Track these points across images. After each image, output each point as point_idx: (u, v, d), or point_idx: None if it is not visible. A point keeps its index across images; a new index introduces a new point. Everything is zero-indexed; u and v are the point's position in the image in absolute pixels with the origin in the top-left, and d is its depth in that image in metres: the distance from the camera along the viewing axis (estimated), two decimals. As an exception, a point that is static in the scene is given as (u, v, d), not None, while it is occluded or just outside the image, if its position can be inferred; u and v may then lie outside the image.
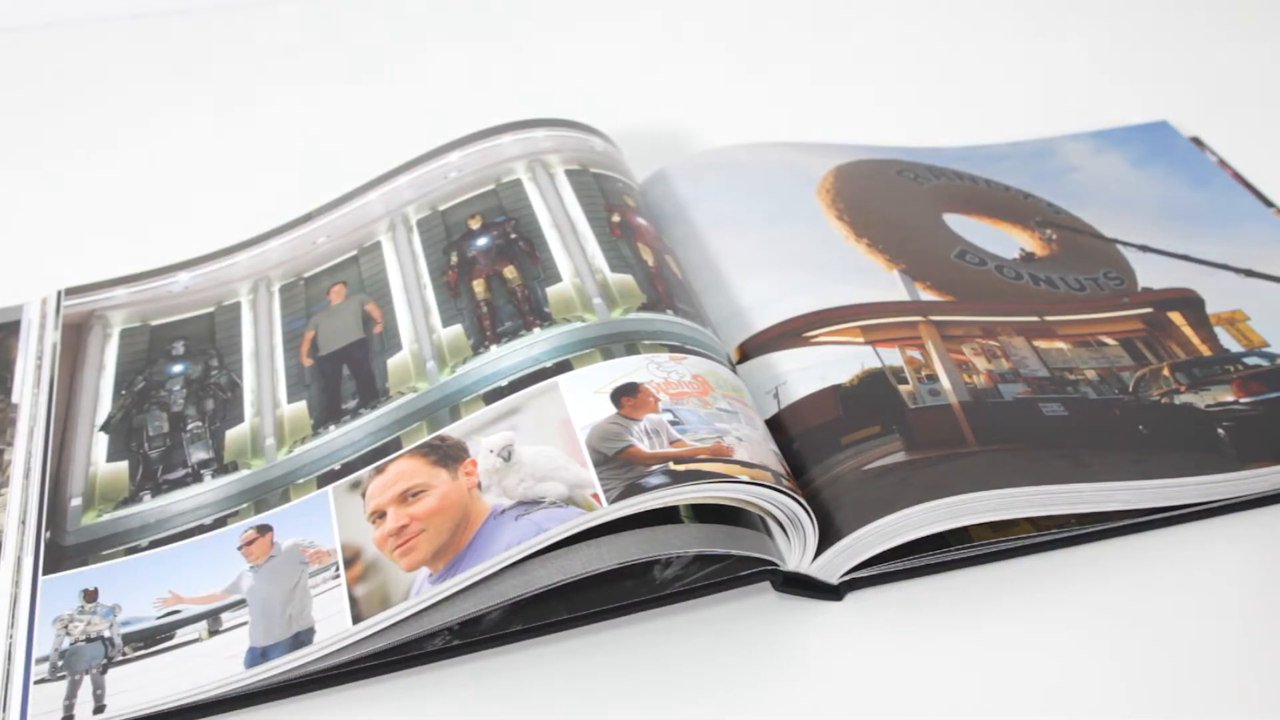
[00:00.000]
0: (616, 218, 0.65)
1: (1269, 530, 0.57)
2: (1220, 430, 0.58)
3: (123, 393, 0.63)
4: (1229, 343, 0.63)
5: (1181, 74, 0.89)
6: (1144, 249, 0.70)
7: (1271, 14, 0.96)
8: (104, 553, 0.55)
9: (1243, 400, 0.60)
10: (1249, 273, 0.68)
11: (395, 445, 0.56)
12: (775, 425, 0.58)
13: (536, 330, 0.59)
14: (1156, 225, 0.72)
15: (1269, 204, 0.74)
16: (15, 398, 0.62)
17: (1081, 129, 0.81)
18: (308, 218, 0.72)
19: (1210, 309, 0.65)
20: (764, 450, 0.53)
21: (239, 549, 0.54)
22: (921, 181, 0.75)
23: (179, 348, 0.65)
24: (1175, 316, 0.65)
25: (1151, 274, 0.68)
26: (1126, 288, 0.67)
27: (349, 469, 0.56)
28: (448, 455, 0.55)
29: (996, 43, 0.95)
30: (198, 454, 0.60)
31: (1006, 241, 0.71)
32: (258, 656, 0.50)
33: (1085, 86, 0.89)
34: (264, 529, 0.55)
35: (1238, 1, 0.98)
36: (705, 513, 0.52)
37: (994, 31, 0.96)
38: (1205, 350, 0.63)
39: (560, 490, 0.51)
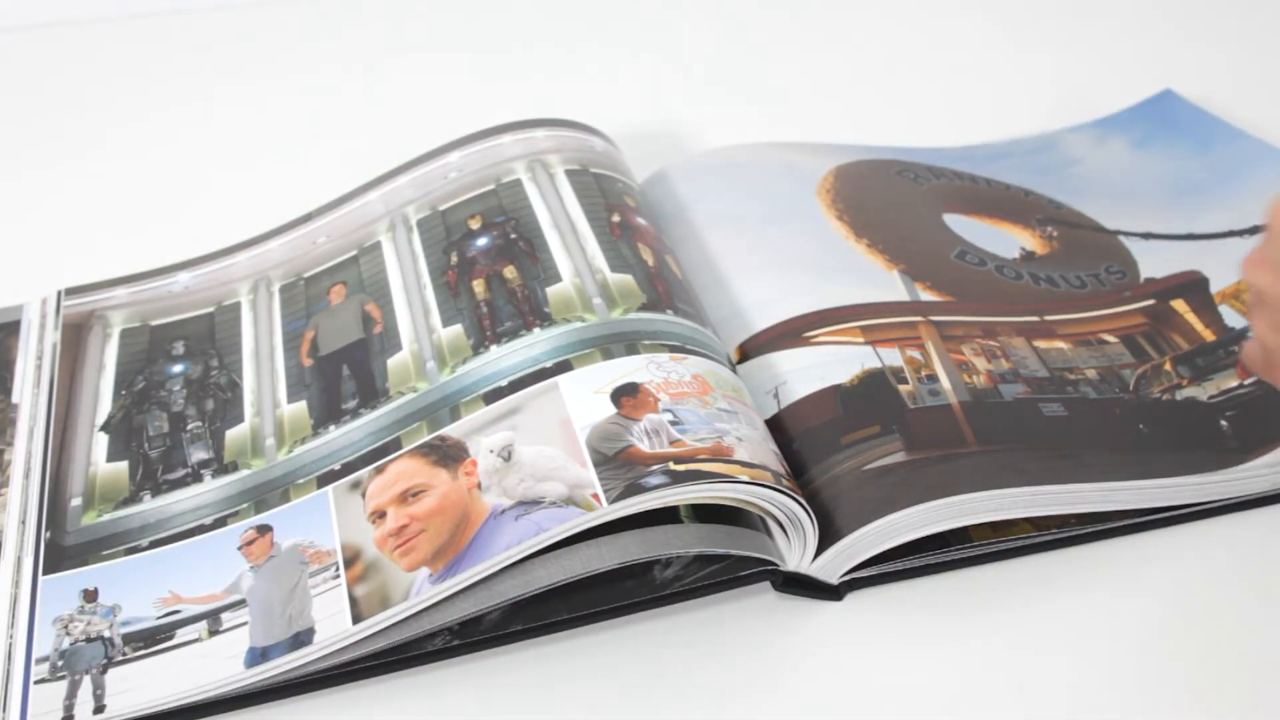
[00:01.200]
0: (616, 218, 0.65)
1: (1269, 530, 0.56)
2: (1223, 422, 0.58)
3: (123, 393, 0.63)
4: (1234, 320, 0.63)
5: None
6: (1146, 236, 0.70)
7: None
8: (104, 553, 0.55)
9: (1246, 382, 0.60)
10: (1254, 230, 0.68)
11: (395, 445, 0.56)
12: (775, 425, 0.58)
13: (536, 330, 0.59)
14: (1164, 206, 0.72)
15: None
16: (15, 398, 0.62)
17: (1084, 117, 0.81)
18: (308, 218, 0.72)
19: (1215, 287, 0.65)
20: (764, 450, 0.53)
21: (239, 549, 0.54)
22: (921, 181, 0.75)
23: (179, 348, 0.65)
24: (1179, 304, 0.65)
25: (1155, 262, 0.68)
26: (1129, 280, 0.67)
27: (349, 469, 0.56)
28: (448, 455, 0.55)
29: (997, 39, 0.95)
30: (198, 454, 0.60)
31: (1007, 241, 0.71)
32: (258, 656, 0.50)
33: (1087, 73, 0.89)
34: (264, 529, 0.55)
35: None
36: (705, 513, 0.52)
37: (994, 27, 0.96)
38: (1209, 335, 0.63)
39: (560, 490, 0.51)
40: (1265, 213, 0.50)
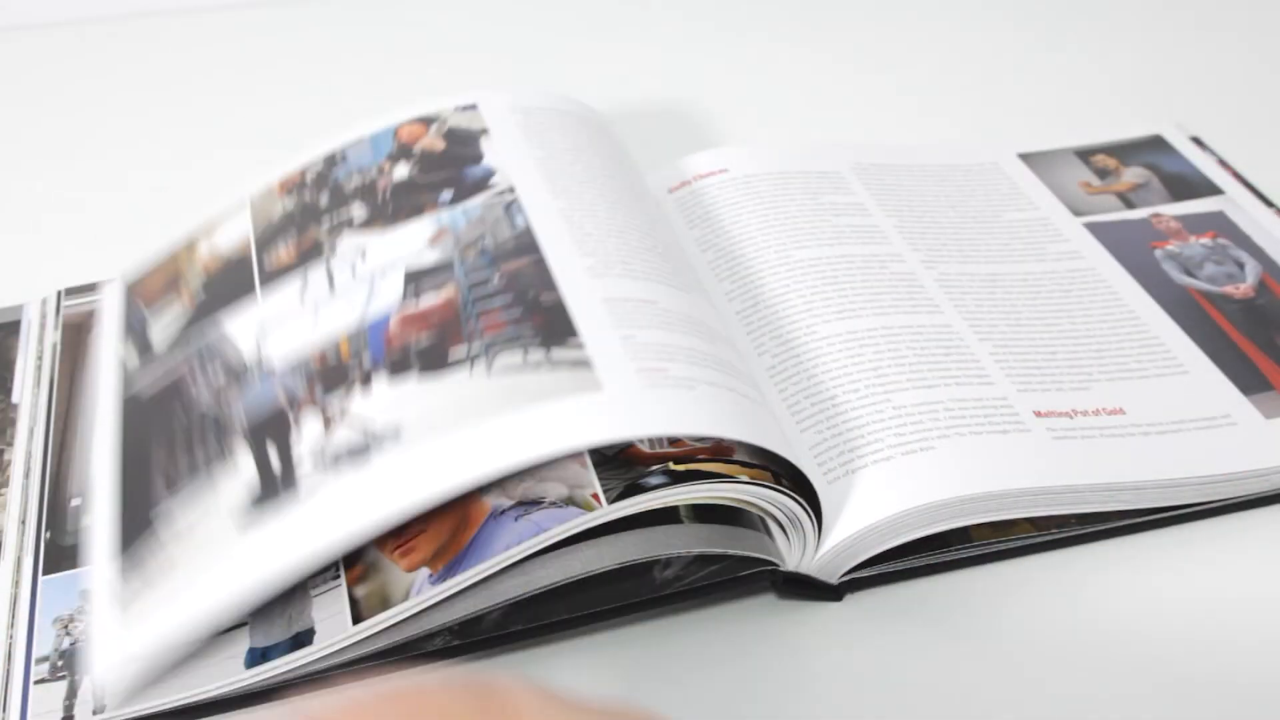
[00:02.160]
0: None
1: (1270, 530, 0.57)
2: None
3: (123, 393, 0.63)
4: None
5: (1182, 75, 0.90)
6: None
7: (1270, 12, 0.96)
8: (104, 553, 0.55)
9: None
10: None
11: (395, 445, 0.57)
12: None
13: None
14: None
15: (1269, 204, 0.74)
16: (15, 398, 0.63)
17: (1077, 135, 0.81)
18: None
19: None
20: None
21: (239, 549, 0.54)
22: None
23: (179, 348, 0.65)
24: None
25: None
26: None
27: (349, 469, 0.57)
28: (447, 455, 0.55)
29: (997, 48, 0.95)
30: (197, 454, 0.60)
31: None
32: (258, 656, 0.50)
33: (1086, 88, 0.89)
34: (264, 529, 0.55)
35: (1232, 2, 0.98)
36: (705, 512, 0.52)
37: (998, 36, 0.96)
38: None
39: (560, 490, 0.51)
40: None
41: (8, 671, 0.50)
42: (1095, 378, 0.61)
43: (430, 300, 0.55)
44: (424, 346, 0.53)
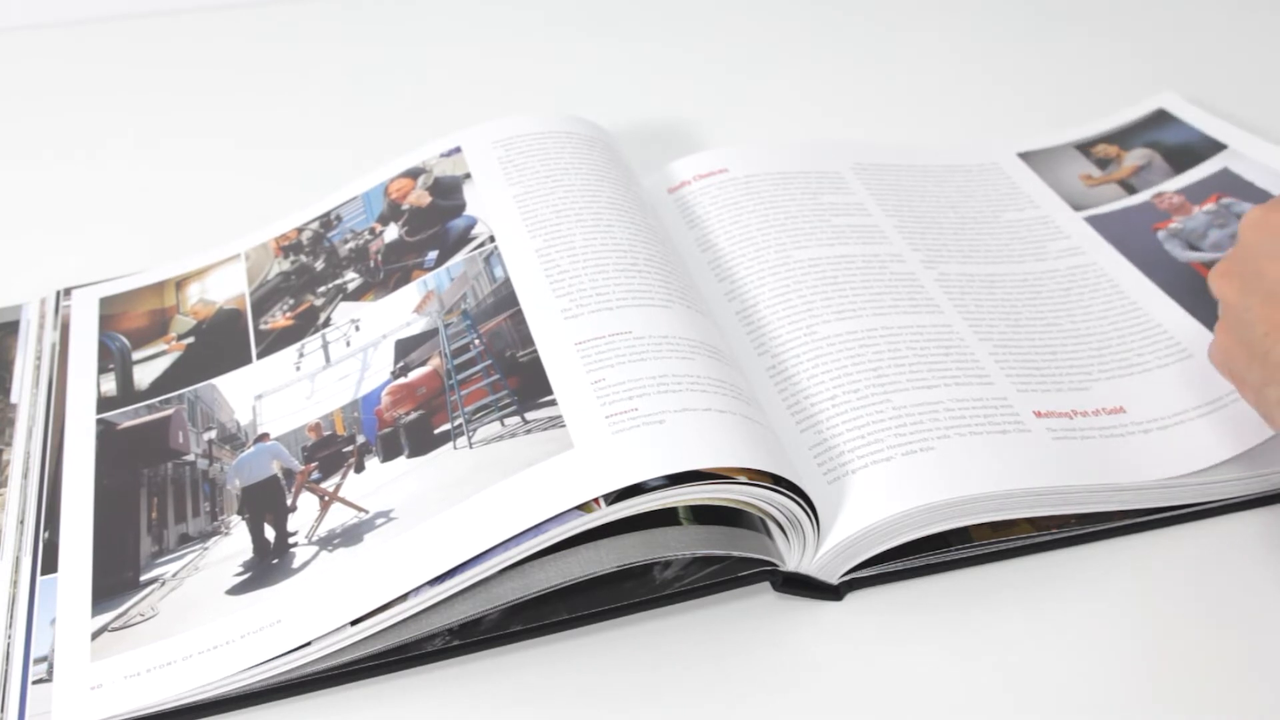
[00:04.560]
0: None
1: (1270, 530, 0.56)
2: None
3: (122, 393, 0.63)
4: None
5: (1174, 66, 0.89)
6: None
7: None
8: (103, 553, 0.55)
9: None
10: None
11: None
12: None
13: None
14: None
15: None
16: (14, 398, 0.62)
17: (1077, 127, 0.81)
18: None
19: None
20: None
21: (238, 550, 0.55)
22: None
23: (178, 348, 0.66)
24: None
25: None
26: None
27: (348, 470, 0.57)
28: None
29: (996, 48, 0.95)
30: (197, 454, 0.60)
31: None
32: (257, 657, 0.50)
33: (1084, 80, 0.89)
34: (263, 530, 0.55)
35: None
36: (705, 513, 0.52)
37: (996, 35, 0.96)
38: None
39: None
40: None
41: (6, 671, 0.50)
42: (1095, 377, 0.61)
43: (418, 373, 0.57)
44: (411, 421, 0.56)
